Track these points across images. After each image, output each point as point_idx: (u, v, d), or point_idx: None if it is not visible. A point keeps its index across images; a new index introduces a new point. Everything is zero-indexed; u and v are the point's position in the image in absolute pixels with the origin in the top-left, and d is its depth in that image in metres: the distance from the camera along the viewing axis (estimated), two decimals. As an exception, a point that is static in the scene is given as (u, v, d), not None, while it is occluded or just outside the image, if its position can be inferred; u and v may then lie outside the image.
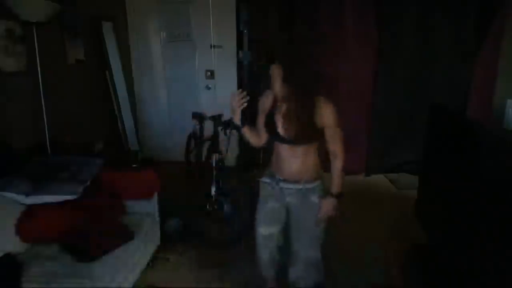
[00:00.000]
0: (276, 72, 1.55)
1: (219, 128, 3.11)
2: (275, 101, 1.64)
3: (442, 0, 3.64)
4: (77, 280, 1.74)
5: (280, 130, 1.62)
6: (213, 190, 2.92)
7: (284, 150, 1.66)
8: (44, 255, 1.91)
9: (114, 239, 2.02)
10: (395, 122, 3.99)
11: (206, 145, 3.35)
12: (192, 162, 3.64)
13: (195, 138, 3.56)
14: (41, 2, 2.34)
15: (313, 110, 1.55)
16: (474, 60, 3.67)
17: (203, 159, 3.37)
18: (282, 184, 1.73)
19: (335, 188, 1.71)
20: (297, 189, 1.71)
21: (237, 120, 1.61)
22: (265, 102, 1.68)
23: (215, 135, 3.18)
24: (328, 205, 1.69)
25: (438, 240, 2.39)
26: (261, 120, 1.71)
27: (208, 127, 3.30)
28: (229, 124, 3.01)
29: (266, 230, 1.79)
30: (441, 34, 3.71)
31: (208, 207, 2.95)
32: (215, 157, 3.01)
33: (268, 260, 1.83)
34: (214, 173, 2.95)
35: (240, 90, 1.56)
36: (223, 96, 4.21)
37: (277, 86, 1.56)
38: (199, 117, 3.42)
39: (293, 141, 1.61)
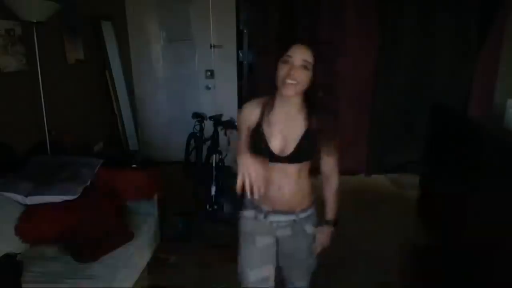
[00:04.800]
0: (299, 56, 1.24)
1: (219, 128, 3.11)
2: (263, 112, 1.35)
3: (443, 0, 3.64)
4: (77, 280, 1.74)
5: (274, 145, 1.32)
6: (213, 190, 2.92)
7: (274, 171, 1.33)
8: (44, 255, 1.91)
9: (114, 239, 2.02)
10: (395, 122, 3.99)
11: (206, 145, 3.35)
12: (192, 162, 3.64)
13: (195, 138, 3.56)
14: (40, 1, 2.34)
15: (325, 122, 1.34)
16: (475, 59, 3.67)
17: (203, 159, 3.37)
18: (271, 217, 1.43)
19: (332, 214, 1.49)
20: (291, 221, 1.44)
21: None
22: (251, 115, 1.36)
23: (215, 135, 3.17)
24: (325, 236, 1.49)
25: (439, 240, 2.38)
26: (245, 138, 1.36)
27: (208, 127, 3.30)
28: (229, 124, 3.01)
29: (259, 274, 1.46)
30: (442, 34, 3.71)
31: (208, 207, 2.94)
32: (215, 157, 3.01)
33: None
34: (214, 173, 2.95)
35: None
36: (223, 96, 4.22)
37: (294, 77, 1.23)
38: (199, 117, 3.42)
39: (289, 159, 1.32)
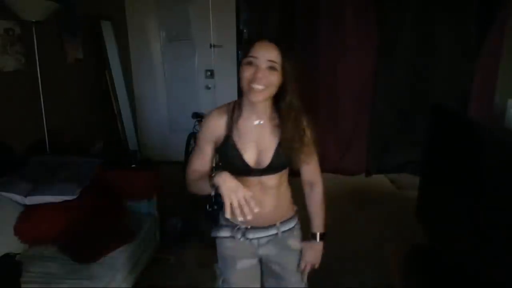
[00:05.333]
0: (265, 56, 1.09)
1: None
2: (230, 121, 1.19)
3: (443, 0, 3.65)
4: (76, 280, 1.74)
5: (248, 158, 1.18)
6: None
7: (250, 185, 1.18)
8: (43, 255, 1.90)
9: (114, 240, 2.02)
10: (395, 122, 3.99)
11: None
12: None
13: (195, 138, 3.55)
14: (39, 1, 2.34)
15: (301, 127, 1.19)
16: (475, 59, 3.67)
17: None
18: (250, 234, 1.28)
19: (318, 227, 1.34)
20: (272, 235, 1.30)
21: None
22: (217, 126, 1.20)
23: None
24: (313, 252, 1.34)
25: (439, 240, 2.38)
26: (208, 151, 1.26)
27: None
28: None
29: None
30: (442, 34, 3.71)
31: (208, 207, 2.94)
32: (215, 157, 3.01)
33: None
34: (214, 173, 2.95)
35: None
36: (223, 96, 4.21)
37: (262, 80, 1.08)
38: (199, 117, 3.42)
39: (267, 170, 1.18)
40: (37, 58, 2.52)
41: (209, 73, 4.26)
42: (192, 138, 3.62)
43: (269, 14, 3.91)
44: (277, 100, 1.17)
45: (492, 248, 1.78)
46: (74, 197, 2.04)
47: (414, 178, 3.22)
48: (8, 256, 1.78)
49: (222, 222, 1.31)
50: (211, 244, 2.68)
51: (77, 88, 3.35)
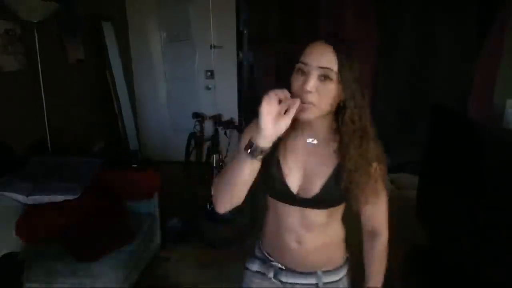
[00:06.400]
0: (316, 62, 0.85)
1: (219, 128, 3.11)
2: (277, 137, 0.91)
3: (443, 0, 3.65)
4: (77, 280, 1.75)
5: (292, 182, 0.96)
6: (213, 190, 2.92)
7: (291, 217, 0.99)
8: (44, 254, 1.91)
9: (114, 239, 2.02)
10: (395, 122, 3.99)
11: (206, 145, 3.35)
12: (192, 162, 3.64)
13: (195, 138, 3.56)
14: (40, 2, 2.34)
15: (368, 155, 0.92)
16: (475, 59, 3.67)
17: (203, 159, 3.37)
18: (284, 277, 1.07)
19: (375, 282, 1.09)
20: (310, 285, 1.06)
21: (266, 141, 0.82)
22: None
23: (215, 135, 3.18)
24: None
25: (439, 240, 2.38)
26: None
27: (208, 127, 3.30)
28: (229, 124, 3.01)
29: None
30: (442, 34, 3.71)
31: (208, 207, 2.94)
32: (215, 157, 3.01)
33: None
34: (214, 173, 2.95)
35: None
36: (223, 96, 4.22)
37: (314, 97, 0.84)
38: (199, 117, 3.42)
39: (313, 202, 0.95)
40: (38, 59, 2.52)
41: (209, 73, 4.26)
42: (192, 138, 3.62)
43: (269, 14, 3.91)
44: (338, 119, 0.92)
45: (492, 248, 1.79)
46: (75, 196, 2.05)
47: (414, 178, 3.22)
48: (10, 255, 1.78)
49: (257, 253, 1.13)
50: (212, 245, 2.70)
51: (78, 88, 3.36)
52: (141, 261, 2.23)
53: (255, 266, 1.11)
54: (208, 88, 4.29)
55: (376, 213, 1.04)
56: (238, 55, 4.13)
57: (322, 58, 0.85)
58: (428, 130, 2.64)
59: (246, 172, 0.84)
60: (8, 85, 2.46)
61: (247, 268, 1.13)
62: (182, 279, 2.34)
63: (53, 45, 2.96)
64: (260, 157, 0.83)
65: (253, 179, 0.87)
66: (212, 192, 0.94)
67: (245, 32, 4.06)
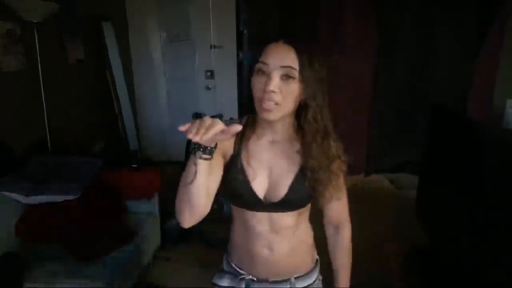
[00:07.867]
0: (277, 62, 0.83)
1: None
2: (240, 139, 0.94)
3: (443, 0, 3.65)
4: (77, 280, 1.75)
5: (257, 187, 0.92)
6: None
7: (260, 223, 0.95)
8: (44, 254, 1.91)
9: (114, 239, 2.02)
10: (395, 122, 3.99)
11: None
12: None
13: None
14: (40, 2, 2.34)
15: (330, 153, 0.92)
16: (475, 59, 3.68)
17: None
18: None
19: (345, 282, 1.09)
20: None
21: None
22: (224, 144, 0.91)
23: (215, 135, 3.18)
24: None
25: (438, 240, 2.38)
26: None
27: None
28: (229, 124, 3.01)
29: None
30: (441, 34, 3.71)
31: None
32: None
33: None
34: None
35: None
36: (223, 96, 4.22)
37: (275, 96, 0.83)
38: (199, 117, 3.42)
39: (280, 205, 0.92)
40: (38, 59, 2.52)
41: (209, 73, 4.26)
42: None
43: (269, 14, 3.92)
44: (300, 119, 0.90)
45: (492, 248, 1.79)
46: (75, 196, 2.05)
47: (413, 178, 3.22)
48: (10, 255, 1.79)
49: (225, 267, 1.08)
50: (212, 245, 2.70)
51: (78, 88, 3.36)
52: (141, 261, 2.23)
53: (224, 282, 1.04)
54: (208, 88, 4.29)
55: (341, 207, 1.06)
56: (238, 55, 4.13)
57: (284, 57, 0.84)
58: (428, 130, 2.64)
59: (192, 172, 0.78)
60: (8, 85, 2.46)
61: (215, 285, 1.06)
62: (182, 279, 2.34)
63: (53, 45, 2.96)
64: (205, 156, 0.78)
65: (208, 184, 0.82)
66: (175, 207, 0.88)
67: (245, 32, 4.06)
